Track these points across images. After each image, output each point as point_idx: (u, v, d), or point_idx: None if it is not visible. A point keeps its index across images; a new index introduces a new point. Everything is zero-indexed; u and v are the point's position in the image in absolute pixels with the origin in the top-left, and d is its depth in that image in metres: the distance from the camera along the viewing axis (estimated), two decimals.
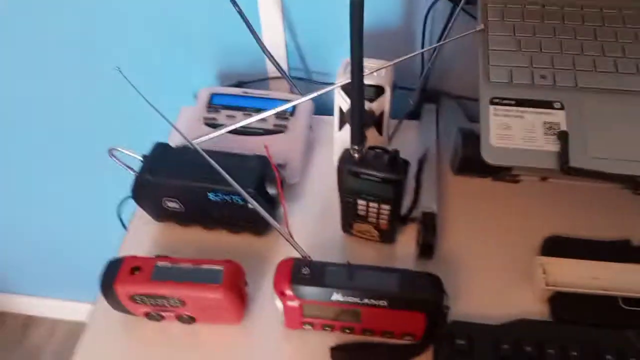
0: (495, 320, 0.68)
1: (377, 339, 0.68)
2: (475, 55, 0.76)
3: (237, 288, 0.68)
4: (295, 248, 0.66)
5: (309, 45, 0.97)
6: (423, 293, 0.64)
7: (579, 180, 0.69)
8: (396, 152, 0.68)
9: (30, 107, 1.19)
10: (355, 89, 0.61)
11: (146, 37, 1.00)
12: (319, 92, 0.74)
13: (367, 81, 0.69)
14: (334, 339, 0.69)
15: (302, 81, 1.00)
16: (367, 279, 0.64)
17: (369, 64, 0.75)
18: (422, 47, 0.90)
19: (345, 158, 0.69)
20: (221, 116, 0.89)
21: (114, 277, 0.66)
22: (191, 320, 0.70)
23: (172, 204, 0.77)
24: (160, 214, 0.80)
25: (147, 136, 0.79)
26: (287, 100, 0.82)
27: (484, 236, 0.79)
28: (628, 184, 0.71)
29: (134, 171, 0.76)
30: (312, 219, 0.82)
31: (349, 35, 0.55)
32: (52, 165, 1.33)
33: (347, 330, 0.67)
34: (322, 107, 0.91)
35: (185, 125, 0.89)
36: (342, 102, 0.79)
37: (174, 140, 0.80)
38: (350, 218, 0.76)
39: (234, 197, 0.73)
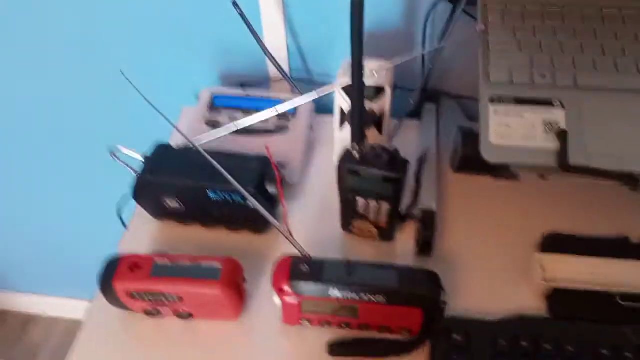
0: (493, 316, 0.68)
1: (374, 334, 0.68)
2: (475, 56, 0.76)
3: (235, 284, 0.68)
4: (294, 246, 0.66)
5: (310, 46, 0.97)
6: (420, 289, 0.64)
7: (578, 178, 0.69)
8: (396, 150, 0.69)
9: (31, 107, 1.19)
10: (356, 89, 0.62)
11: (148, 38, 1.01)
12: (320, 93, 0.75)
13: (367, 82, 0.69)
14: (331, 334, 0.68)
15: (303, 82, 1.00)
16: (365, 275, 0.64)
17: (369, 64, 0.76)
18: (423, 48, 0.91)
19: (345, 156, 0.70)
20: (223, 117, 0.90)
21: (113, 273, 0.67)
22: (189, 316, 0.70)
23: (172, 203, 0.77)
24: (161, 213, 0.81)
25: (148, 136, 0.79)
26: (288, 101, 0.83)
27: (483, 234, 0.79)
28: (627, 182, 0.71)
29: (135, 171, 0.76)
30: (311, 218, 0.82)
31: (350, 35, 0.56)
32: (53, 165, 1.34)
33: (345, 326, 0.67)
34: (323, 107, 0.91)
35: (186, 126, 0.90)
36: (342, 102, 0.79)
37: (176, 141, 0.80)
38: (349, 216, 0.76)
39: (234, 196, 0.73)
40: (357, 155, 0.68)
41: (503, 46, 0.76)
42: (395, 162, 0.68)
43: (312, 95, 0.75)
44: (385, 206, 0.72)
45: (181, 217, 0.80)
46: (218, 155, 0.63)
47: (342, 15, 0.56)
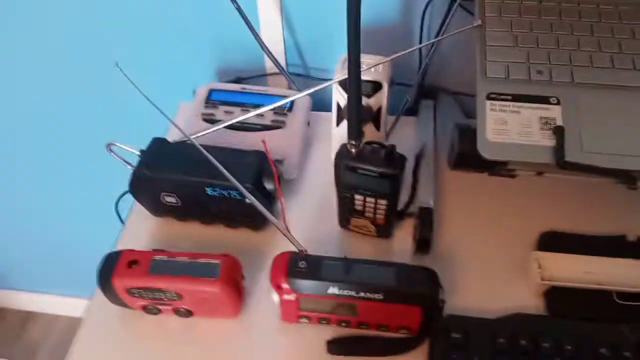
0: (491, 314, 0.69)
1: (373, 332, 0.68)
2: (473, 52, 0.76)
3: (234, 282, 0.68)
4: (292, 242, 0.66)
5: (307, 42, 0.97)
6: (419, 287, 0.64)
7: (575, 175, 0.69)
8: (393, 147, 0.68)
9: (29, 105, 1.19)
10: (353, 84, 0.61)
11: (145, 33, 1.01)
12: (317, 88, 0.75)
13: (364, 77, 0.69)
14: (330, 332, 0.69)
15: (300, 77, 1.00)
16: (364, 273, 0.64)
17: (366, 59, 0.76)
18: (420, 43, 0.91)
19: (343, 153, 0.70)
20: (219, 112, 0.89)
21: (112, 270, 0.67)
22: (188, 313, 0.70)
23: (169, 199, 0.77)
24: (158, 209, 0.81)
25: (146, 132, 0.79)
26: (285, 96, 0.83)
27: (481, 231, 0.79)
28: (623, 179, 0.71)
29: (132, 166, 0.76)
30: (309, 214, 0.82)
31: (346, 31, 0.56)
32: (50, 161, 1.33)
33: (343, 324, 0.68)
34: (320, 103, 0.91)
35: (183, 121, 0.89)
36: (339, 98, 0.79)
37: (173, 136, 0.80)
38: (347, 213, 0.76)
39: (231, 192, 0.73)
40: (354, 152, 0.68)
41: (500, 42, 0.76)
42: (392, 158, 0.68)
43: (309, 90, 0.75)
44: (383, 203, 0.72)
45: (179, 213, 0.80)
46: (214, 150, 0.63)
47: (339, 10, 0.56)
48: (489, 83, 0.73)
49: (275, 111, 0.87)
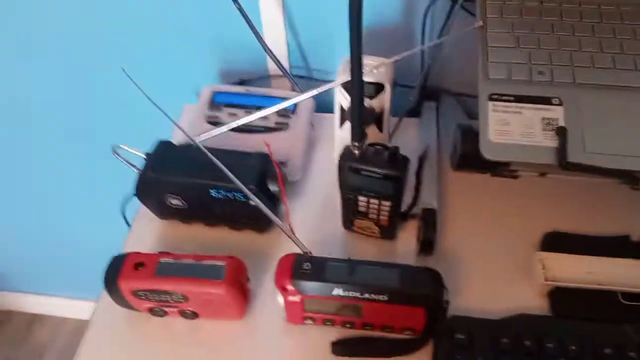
0: (495, 315, 0.69)
1: (377, 333, 0.68)
2: (474, 53, 0.76)
3: (239, 284, 0.68)
4: (296, 244, 0.66)
5: (310, 43, 0.98)
6: (423, 288, 0.64)
7: (578, 175, 0.69)
8: (396, 148, 0.69)
9: (33, 106, 1.19)
10: (355, 86, 0.61)
11: (149, 36, 1.01)
12: (320, 90, 0.75)
13: (367, 79, 0.69)
14: (334, 333, 0.69)
15: (303, 79, 1.00)
16: (368, 274, 0.64)
17: (368, 61, 0.76)
18: (422, 45, 0.91)
19: (346, 155, 0.70)
20: (223, 114, 0.90)
21: (118, 272, 0.67)
22: (194, 315, 0.70)
23: (175, 201, 0.77)
24: (164, 212, 0.81)
25: (150, 134, 0.79)
26: (289, 98, 0.83)
27: (484, 232, 0.80)
28: (626, 180, 0.72)
29: (138, 169, 0.76)
30: (313, 216, 0.82)
31: (349, 32, 0.56)
32: (55, 164, 1.34)
33: (348, 325, 0.68)
34: (323, 105, 0.91)
35: (187, 124, 0.90)
36: (342, 99, 0.80)
37: (177, 139, 0.81)
38: (351, 214, 0.76)
39: (236, 194, 0.74)
40: (357, 153, 0.69)
41: (501, 43, 0.76)
42: (395, 160, 0.69)
43: (312, 92, 0.76)
44: (386, 204, 0.72)
45: (184, 215, 0.81)
46: (219, 152, 0.64)
47: (341, 12, 0.56)
48: (491, 84, 0.73)
49: (279, 113, 0.88)
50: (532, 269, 0.73)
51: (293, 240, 0.66)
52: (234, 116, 0.88)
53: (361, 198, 0.72)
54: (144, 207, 0.81)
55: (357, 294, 0.63)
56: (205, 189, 0.74)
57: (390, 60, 0.76)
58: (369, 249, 0.78)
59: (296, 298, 0.65)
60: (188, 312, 0.70)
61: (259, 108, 0.78)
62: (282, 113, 0.88)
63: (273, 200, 0.76)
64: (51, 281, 1.86)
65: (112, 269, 0.68)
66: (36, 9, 1.00)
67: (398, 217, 0.75)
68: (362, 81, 0.61)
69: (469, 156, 0.79)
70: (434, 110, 0.93)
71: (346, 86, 0.77)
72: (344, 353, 0.68)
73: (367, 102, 0.78)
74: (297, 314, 0.68)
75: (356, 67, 0.59)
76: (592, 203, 0.81)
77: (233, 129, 0.77)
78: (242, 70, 1.03)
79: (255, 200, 0.65)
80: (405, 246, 0.78)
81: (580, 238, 0.77)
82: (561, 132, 0.68)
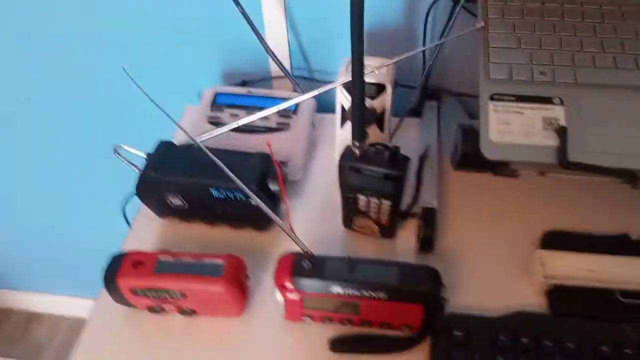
0: (493, 313, 0.69)
1: (375, 330, 0.68)
2: (476, 53, 0.76)
3: (238, 281, 0.68)
4: (296, 243, 0.66)
5: (312, 44, 0.98)
6: (421, 285, 0.64)
7: (578, 174, 0.69)
8: (396, 148, 0.69)
9: (33, 106, 1.20)
10: (356, 86, 0.62)
11: (151, 36, 1.01)
12: (321, 90, 0.75)
13: (368, 79, 0.69)
14: (333, 330, 0.69)
15: (304, 80, 1.01)
16: (366, 272, 0.64)
17: (370, 62, 0.76)
18: (424, 45, 0.91)
19: (347, 154, 0.70)
20: (225, 115, 0.90)
21: (117, 270, 0.67)
22: (192, 313, 0.70)
23: (175, 201, 0.78)
24: (164, 211, 0.81)
25: (152, 135, 0.79)
26: (290, 99, 0.83)
27: (484, 231, 0.80)
28: (626, 179, 0.72)
29: (139, 169, 0.76)
30: (313, 215, 0.83)
31: (350, 33, 0.56)
32: (57, 163, 1.34)
33: (347, 322, 0.68)
34: (325, 105, 0.91)
35: (189, 124, 0.90)
36: (343, 100, 0.80)
37: (179, 139, 0.81)
38: (351, 213, 0.77)
39: (236, 193, 0.74)
40: (358, 153, 0.69)
41: (503, 43, 0.76)
42: (396, 159, 0.69)
43: (313, 93, 0.76)
44: (386, 203, 0.72)
45: (184, 214, 0.81)
46: (220, 152, 0.64)
47: (343, 13, 0.56)
48: (492, 84, 0.73)
49: (280, 113, 0.88)
50: (531, 267, 0.73)
51: (293, 240, 0.66)
52: (236, 117, 0.89)
53: (361, 197, 0.73)
54: (144, 206, 0.82)
55: (356, 292, 0.63)
56: (206, 189, 0.74)
57: (392, 61, 0.76)
58: (368, 248, 0.78)
59: (295, 296, 0.65)
60: (186, 309, 0.70)
61: (260, 109, 0.78)
62: (284, 113, 0.88)
63: (274, 200, 0.77)
64: (49, 279, 1.87)
65: (112, 267, 0.68)
66: (36, 9, 1.00)
67: (398, 216, 0.76)
68: (364, 81, 0.62)
69: (470, 156, 0.79)
70: (435, 110, 0.93)
71: (347, 86, 0.77)
72: (342, 350, 0.68)
73: (369, 103, 0.78)
74: (295, 312, 0.68)
75: (357, 67, 0.60)
76: (592, 202, 0.81)
77: (234, 129, 0.78)
78: (245, 71, 1.03)
79: (256, 200, 0.65)
80: (404, 245, 0.78)
81: (580, 236, 0.77)
82: (562, 132, 0.68)
